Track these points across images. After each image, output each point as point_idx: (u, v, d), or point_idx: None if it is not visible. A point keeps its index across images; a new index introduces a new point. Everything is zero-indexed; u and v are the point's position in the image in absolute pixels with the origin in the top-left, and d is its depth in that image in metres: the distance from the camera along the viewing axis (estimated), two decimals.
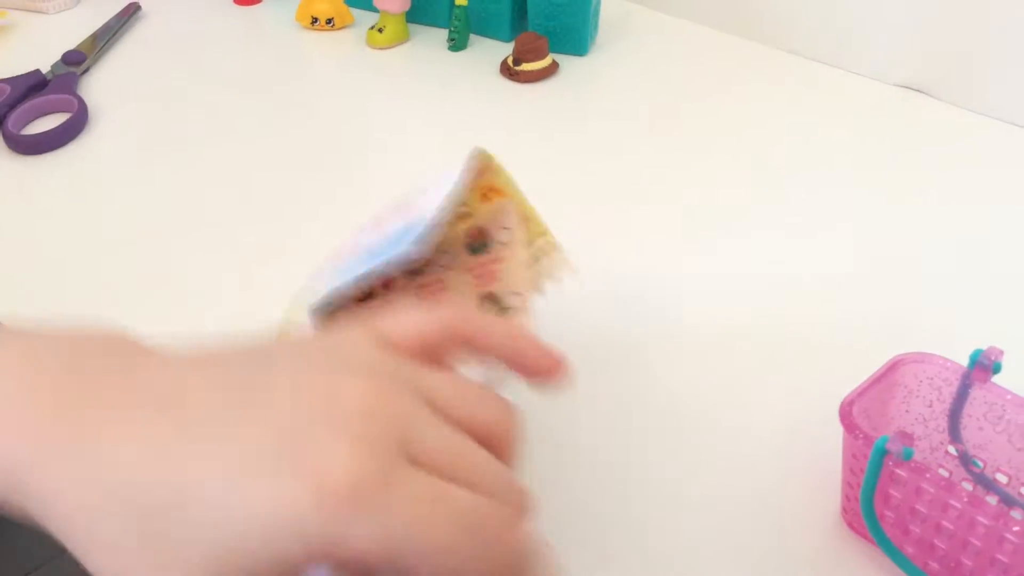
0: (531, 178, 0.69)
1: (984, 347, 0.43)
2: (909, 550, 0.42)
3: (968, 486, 0.44)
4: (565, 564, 0.36)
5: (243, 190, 0.67)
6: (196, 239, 0.62)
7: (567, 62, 0.83)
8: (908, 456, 0.39)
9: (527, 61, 0.81)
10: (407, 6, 0.84)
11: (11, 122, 0.70)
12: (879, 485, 0.40)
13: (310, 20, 0.86)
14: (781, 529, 0.45)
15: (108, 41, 0.83)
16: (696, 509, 0.46)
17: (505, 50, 0.84)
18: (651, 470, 0.48)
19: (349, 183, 0.68)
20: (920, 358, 0.44)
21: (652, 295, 0.58)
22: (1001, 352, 0.43)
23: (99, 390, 0.28)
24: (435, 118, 0.76)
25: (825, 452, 0.45)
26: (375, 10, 0.85)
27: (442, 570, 0.26)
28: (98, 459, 0.26)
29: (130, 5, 0.88)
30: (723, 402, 0.51)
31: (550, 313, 0.57)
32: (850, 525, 0.44)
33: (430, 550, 0.26)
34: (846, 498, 0.44)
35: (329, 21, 0.86)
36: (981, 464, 0.45)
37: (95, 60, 0.81)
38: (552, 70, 0.82)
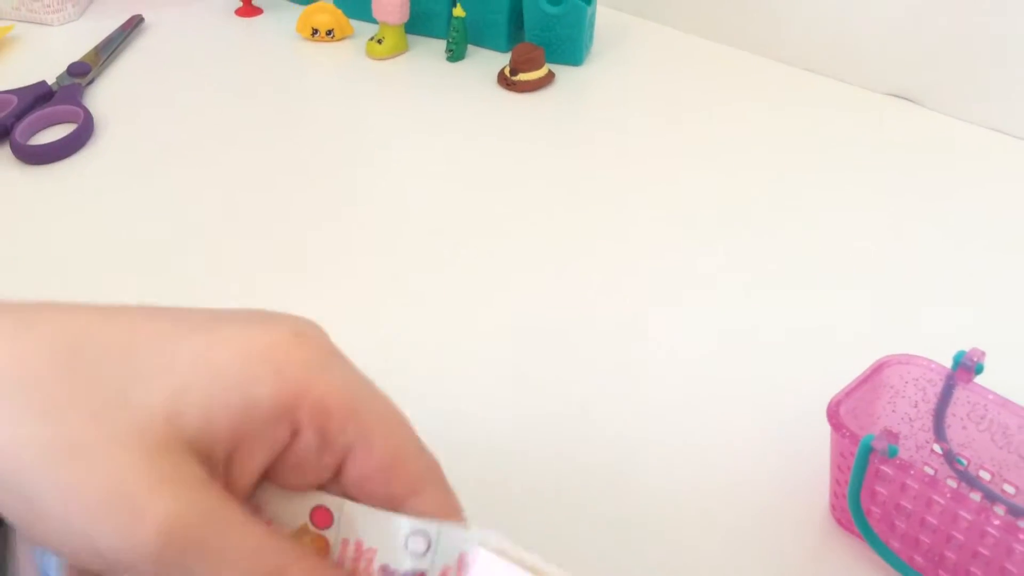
0: (528, 185, 0.70)
1: (967, 349, 0.45)
2: (895, 545, 0.43)
3: (952, 483, 0.46)
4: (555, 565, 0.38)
5: (246, 199, 0.68)
6: (200, 248, 0.63)
7: (563, 72, 0.85)
8: (893, 453, 0.40)
9: (524, 71, 0.82)
10: (406, 17, 0.85)
11: (18, 132, 0.71)
12: (865, 482, 0.42)
13: (310, 31, 0.88)
14: (772, 526, 0.46)
15: (112, 53, 0.85)
16: (686, 508, 0.47)
17: (502, 60, 0.85)
18: (641, 470, 0.49)
19: (351, 191, 0.69)
20: (905, 359, 0.46)
21: (645, 296, 0.60)
22: (983, 353, 0.45)
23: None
24: (434, 127, 0.77)
25: (814, 452, 0.47)
26: (374, 21, 0.86)
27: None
28: (42, 317, 0.27)
29: (133, 17, 0.90)
30: (713, 403, 0.53)
31: (549, 303, 0.58)
32: (838, 521, 0.46)
33: (382, 405, 0.28)
34: (834, 495, 0.46)
35: (329, 32, 0.88)
36: (965, 462, 0.46)
37: (100, 71, 0.82)
38: (548, 80, 0.83)
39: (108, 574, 0.25)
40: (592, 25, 0.88)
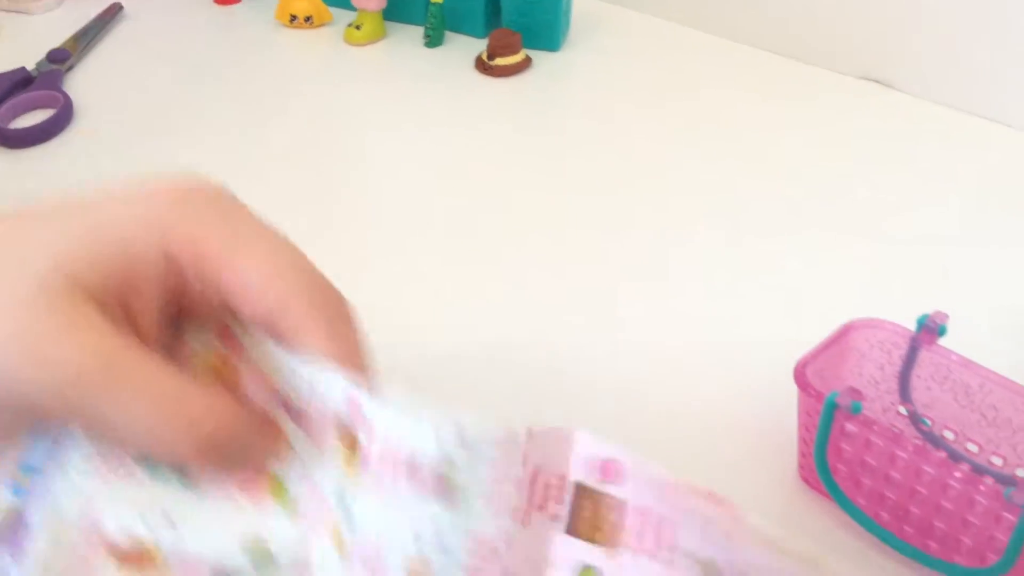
0: (504, 168, 0.71)
1: (930, 312, 0.46)
2: (861, 501, 0.44)
3: (918, 443, 0.47)
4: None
5: (227, 179, 0.68)
6: None
7: (540, 57, 0.86)
8: (857, 410, 0.41)
9: (501, 56, 0.83)
10: (384, 4, 0.86)
11: None
12: (831, 439, 0.43)
13: (289, 18, 0.88)
14: (741, 487, 0.47)
15: (91, 40, 0.85)
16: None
17: (479, 46, 0.86)
18: (613, 432, 0.50)
19: (330, 176, 0.70)
20: (871, 323, 0.47)
21: (619, 270, 0.61)
22: (946, 316, 0.46)
23: None
24: (412, 112, 0.78)
25: (782, 415, 0.48)
26: (353, 8, 0.87)
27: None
28: None
29: (112, 5, 0.90)
30: (684, 368, 0.54)
31: (527, 280, 0.59)
32: (806, 481, 0.47)
33: (267, 248, 0.30)
34: (802, 455, 0.47)
35: (308, 19, 0.88)
36: (929, 422, 0.47)
37: (79, 58, 0.83)
38: (525, 65, 0.84)
39: (22, 418, 0.27)
40: (569, 11, 0.88)
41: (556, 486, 0.27)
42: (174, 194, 0.30)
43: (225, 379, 0.30)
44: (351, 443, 0.28)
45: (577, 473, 0.27)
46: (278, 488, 0.29)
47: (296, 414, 0.29)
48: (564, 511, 0.27)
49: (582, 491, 0.27)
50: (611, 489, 0.27)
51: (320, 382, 0.28)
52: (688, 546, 0.27)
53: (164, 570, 0.28)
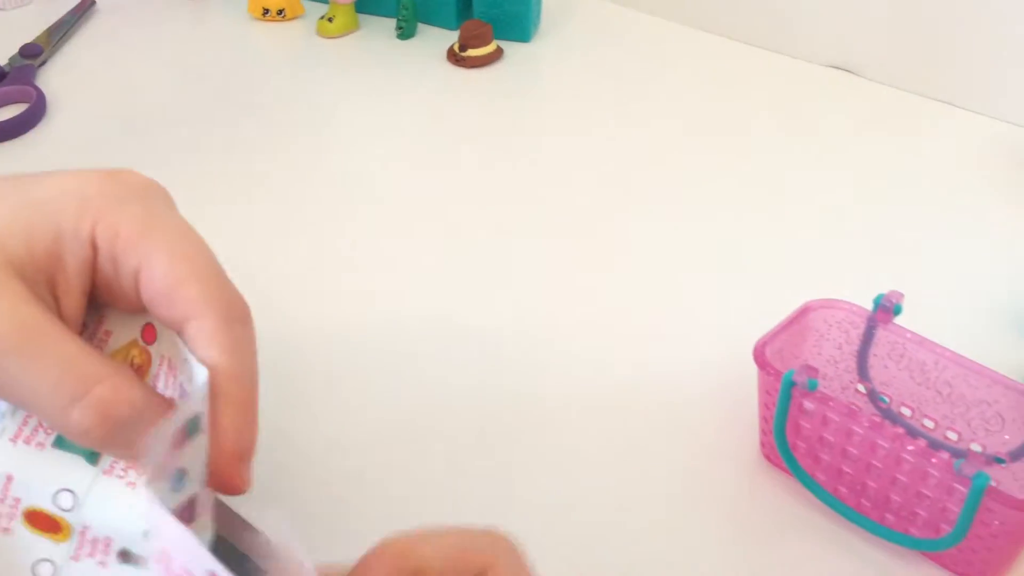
0: (476, 157, 0.72)
1: (886, 291, 0.47)
2: (820, 477, 0.45)
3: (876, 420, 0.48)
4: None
5: (197, 178, 0.69)
6: None
7: (511, 48, 0.87)
8: (813, 386, 0.42)
9: (472, 47, 0.84)
10: None
11: None
12: (790, 417, 0.44)
13: (261, 11, 0.89)
14: (705, 466, 0.48)
15: (64, 35, 0.85)
16: (622, 450, 0.49)
17: (451, 38, 0.87)
18: (580, 413, 0.51)
19: (304, 168, 0.71)
20: (828, 303, 0.48)
21: (588, 254, 0.62)
22: (901, 295, 0.47)
23: None
24: (384, 103, 0.79)
25: (744, 394, 0.49)
26: (325, 0, 0.87)
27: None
28: None
29: (84, 0, 0.90)
30: (647, 349, 0.55)
31: (497, 267, 0.60)
32: (768, 458, 0.48)
33: (175, 235, 0.32)
34: (763, 432, 0.48)
35: (280, 12, 0.89)
36: (887, 400, 0.49)
37: (52, 53, 0.83)
38: (496, 56, 0.85)
39: None
40: (539, 2, 0.89)
41: None
42: (107, 183, 0.32)
43: (137, 367, 0.31)
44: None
45: None
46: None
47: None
48: None
49: None
50: None
51: (197, 381, 0.29)
52: None
53: (73, 541, 0.29)
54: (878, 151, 0.74)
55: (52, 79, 0.80)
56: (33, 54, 0.81)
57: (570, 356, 0.55)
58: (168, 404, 0.30)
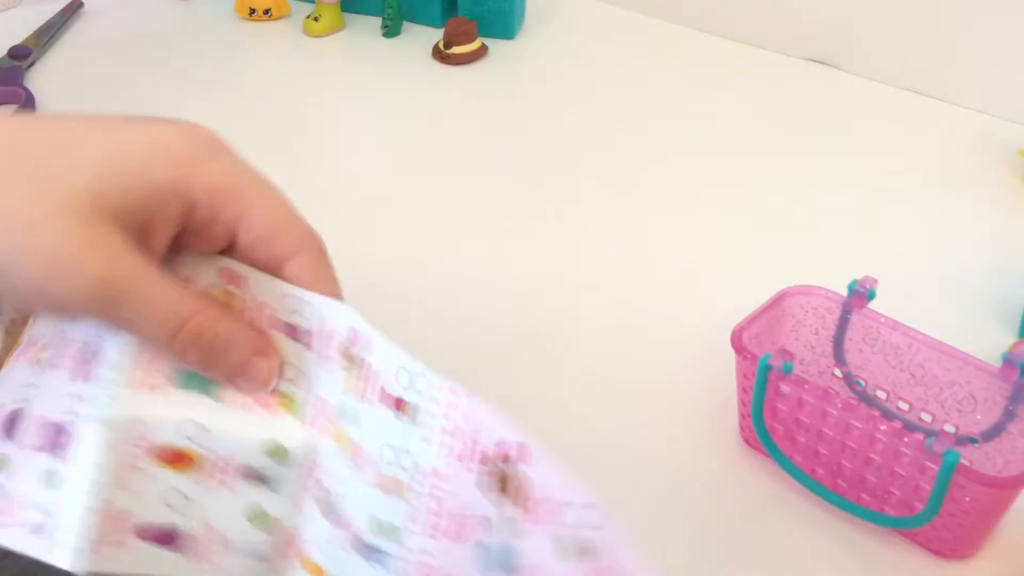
0: (461, 153, 0.73)
1: (860, 277, 0.48)
2: (797, 458, 0.47)
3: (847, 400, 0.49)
4: None
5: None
6: None
7: (496, 45, 0.88)
8: (788, 370, 0.44)
9: (457, 44, 0.85)
10: None
11: None
12: (767, 400, 0.45)
13: (248, 11, 0.90)
14: (687, 450, 0.50)
15: (52, 36, 0.86)
16: (606, 434, 0.50)
17: (436, 35, 0.88)
18: (565, 399, 0.52)
19: (291, 166, 0.72)
20: (805, 290, 0.49)
21: (572, 245, 0.63)
22: (875, 281, 0.48)
23: None
24: (371, 101, 0.80)
25: (724, 380, 0.50)
26: (311, 0, 0.88)
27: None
28: None
29: (73, 2, 0.91)
30: (631, 338, 0.56)
31: (484, 256, 0.61)
32: (747, 441, 0.49)
33: (262, 185, 0.36)
34: (741, 416, 0.49)
35: (267, 11, 0.90)
36: (863, 383, 0.50)
37: (40, 54, 0.84)
38: (481, 53, 0.86)
39: (61, 316, 0.34)
40: (524, 0, 0.90)
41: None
42: (188, 138, 0.35)
43: (228, 306, 0.35)
44: (350, 362, 0.34)
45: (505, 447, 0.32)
46: (289, 402, 0.34)
47: (304, 336, 0.34)
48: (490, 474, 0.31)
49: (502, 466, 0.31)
50: (519, 467, 0.31)
51: (327, 309, 0.34)
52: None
53: (202, 469, 0.33)
54: (857, 143, 0.75)
55: (40, 80, 0.80)
56: (22, 55, 0.82)
57: (551, 349, 0.56)
58: (260, 333, 0.35)
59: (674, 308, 0.58)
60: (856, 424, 0.43)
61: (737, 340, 0.46)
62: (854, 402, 0.44)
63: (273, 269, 0.35)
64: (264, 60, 0.86)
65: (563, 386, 0.53)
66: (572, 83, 0.83)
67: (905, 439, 0.42)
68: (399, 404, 0.32)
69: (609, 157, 0.73)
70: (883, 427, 0.43)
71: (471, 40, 0.85)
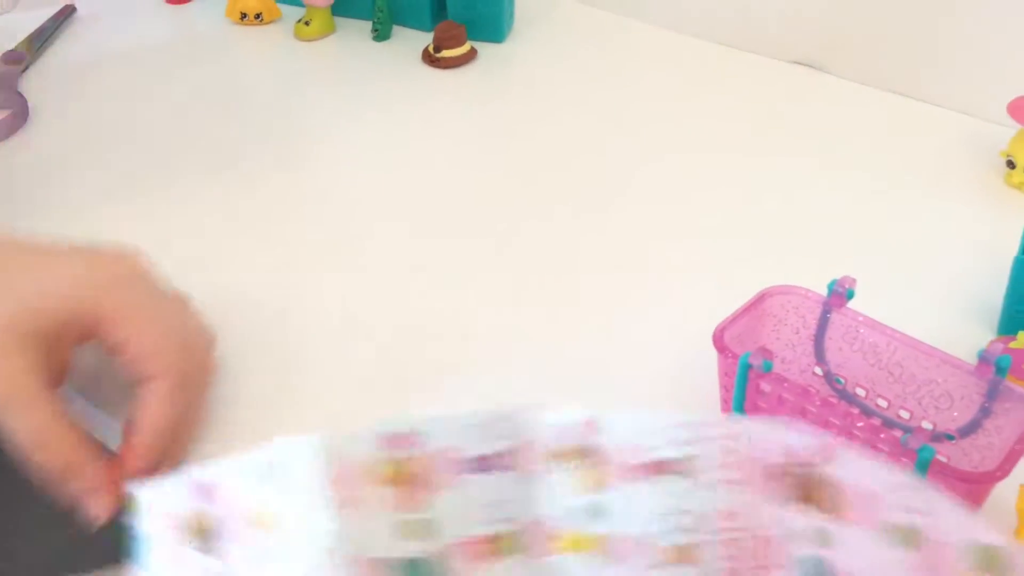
0: (452, 156, 0.74)
1: (839, 277, 0.49)
2: None
3: (834, 401, 0.50)
4: None
5: (180, 179, 0.71)
6: (134, 227, 0.66)
7: (485, 49, 0.89)
8: (768, 368, 0.45)
9: (447, 48, 0.86)
10: (332, 0, 0.88)
11: None
12: (748, 397, 0.46)
13: (239, 15, 0.91)
14: None
15: (46, 41, 0.87)
16: None
17: (426, 39, 0.89)
18: (553, 395, 0.53)
19: (283, 168, 0.72)
20: (785, 290, 0.50)
21: (562, 247, 0.64)
22: (853, 280, 0.49)
23: None
24: (361, 104, 0.81)
25: (708, 379, 0.51)
26: (302, 4, 0.89)
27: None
28: None
29: (65, 7, 0.92)
30: (616, 336, 0.57)
31: (472, 261, 0.62)
32: None
33: (147, 317, 0.46)
34: (723, 413, 0.50)
35: (258, 16, 0.90)
36: (843, 381, 0.51)
37: (34, 59, 0.85)
38: (471, 56, 0.87)
39: None
40: (512, 3, 0.91)
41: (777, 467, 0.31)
42: (101, 273, 0.46)
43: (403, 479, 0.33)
44: (578, 458, 0.33)
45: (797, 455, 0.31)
46: (499, 543, 0.33)
47: (497, 461, 0.33)
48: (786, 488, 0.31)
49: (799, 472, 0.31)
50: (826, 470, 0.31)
51: (523, 419, 0.33)
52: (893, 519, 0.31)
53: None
54: (841, 145, 0.76)
55: (35, 85, 0.81)
56: (15, 60, 0.83)
57: (539, 345, 0.57)
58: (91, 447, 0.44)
59: (661, 307, 0.59)
60: (834, 421, 0.44)
61: (719, 339, 0.47)
62: (832, 399, 0.45)
63: (137, 383, 0.45)
64: (255, 64, 0.87)
65: (551, 383, 0.54)
66: (561, 86, 0.84)
67: (882, 435, 0.43)
68: (658, 468, 0.31)
69: (598, 159, 0.74)
70: (860, 424, 0.43)
71: (460, 44, 0.86)
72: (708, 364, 0.49)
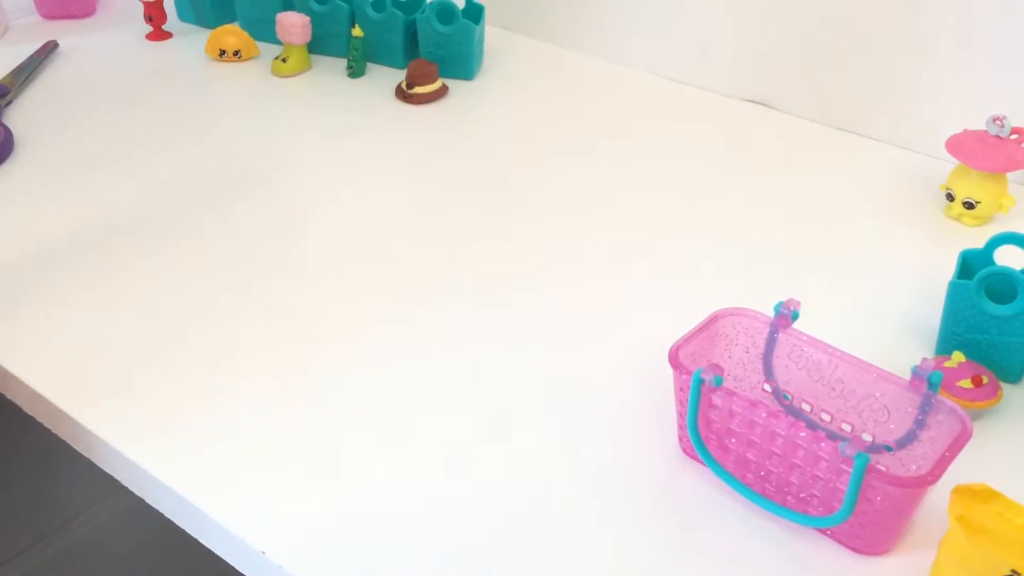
0: (424, 188, 0.78)
1: (784, 299, 0.53)
2: (730, 466, 0.51)
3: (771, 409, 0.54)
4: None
5: (159, 209, 0.74)
6: (112, 253, 0.68)
7: (456, 85, 0.92)
8: (719, 383, 0.48)
9: (419, 85, 0.90)
10: (308, 38, 0.92)
11: None
12: (700, 412, 0.50)
13: (219, 52, 0.94)
14: (631, 460, 0.54)
15: (30, 75, 0.90)
16: (555, 449, 0.54)
17: (399, 76, 0.92)
18: (516, 415, 0.56)
19: (260, 199, 0.76)
20: (735, 312, 0.54)
21: (526, 272, 0.67)
22: (798, 303, 0.53)
23: None
24: (337, 137, 0.84)
25: (665, 400, 0.55)
26: (279, 42, 0.93)
27: None
28: None
29: (48, 43, 0.95)
30: (576, 359, 0.60)
31: (445, 288, 0.65)
32: (685, 451, 0.54)
33: None
34: (679, 428, 0.53)
35: (236, 53, 0.94)
36: (790, 396, 0.54)
37: (17, 93, 0.87)
38: (442, 92, 0.91)
39: None
40: (482, 42, 0.95)
41: None
42: None
43: None
44: None
45: None
46: None
47: None
48: None
49: None
50: None
51: None
52: None
53: None
54: (789, 177, 0.80)
55: (19, 118, 0.84)
56: (1, 94, 0.85)
57: (504, 364, 0.60)
58: None
59: (620, 326, 0.63)
60: (780, 432, 0.48)
61: (674, 357, 0.50)
62: (778, 412, 0.49)
63: None
64: (234, 99, 0.90)
65: (514, 400, 0.57)
66: (527, 120, 0.88)
67: (822, 444, 0.47)
68: None
69: (561, 189, 0.78)
70: (803, 434, 0.47)
71: (433, 81, 0.90)
72: (665, 381, 0.53)
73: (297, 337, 0.61)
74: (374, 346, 0.61)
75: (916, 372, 0.49)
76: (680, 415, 0.53)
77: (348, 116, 0.88)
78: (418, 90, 0.90)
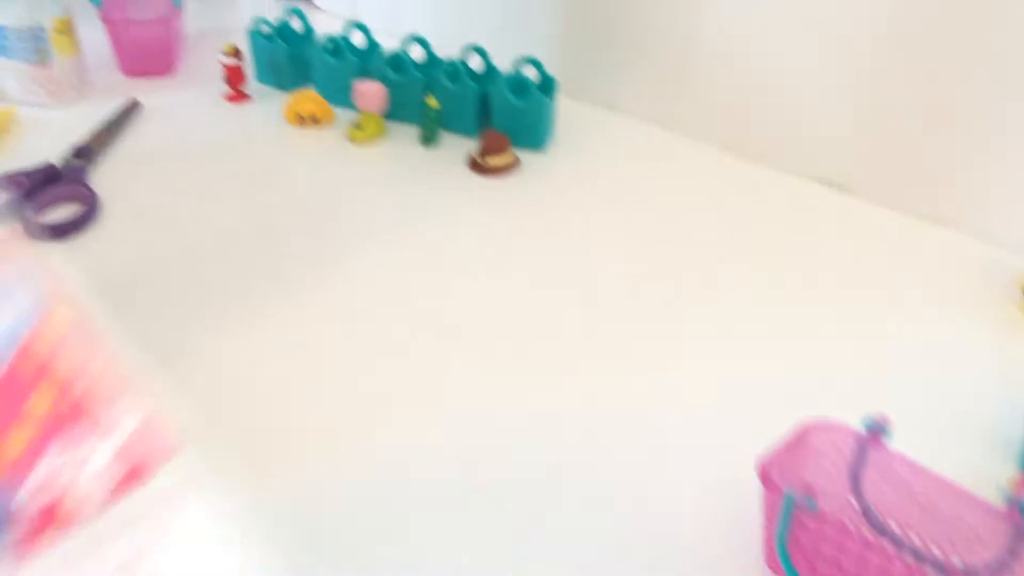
0: (497, 263, 0.78)
1: (875, 413, 0.53)
2: None
3: (869, 534, 0.54)
4: None
5: (239, 271, 0.74)
6: (200, 313, 0.70)
7: (528, 157, 0.93)
8: (812, 506, 0.48)
9: (492, 156, 0.90)
10: (384, 106, 0.93)
11: (30, 211, 0.78)
12: (790, 531, 0.50)
13: (296, 117, 0.95)
14: (715, 573, 0.54)
15: (113, 135, 0.92)
16: (638, 558, 0.54)
17: (471, 145, 0.93)
18: (599, 524, 0.56)
19: (335, 268, 0.76)
20: (825, 425, 0.54)
21: (604, 367, 0.68)
22: (887, 419, 0.53)
23: None
24: (410, 208, 0.85)
25: (749, 508, 0.54)
26: (356, 109, 0.94)
27: None
28: None
29: (130, 101, 0.97)
30: (656, 464, 0.60)
31: (517, 376, 0.65)
32: (770, 567, 0.53)
33: None
34: (766, 542, 0.53)
35: (313, 118, 0.95)
36: (879, 515, 0.54)
37: (102, 153, 0.89)
38: (515, 164, 0.91)
39: None
40: (554, 113, 0.96)
41: None
42: None
43: None
44: None
45: None
46: None
47: None
48: None
49: None
50: None
51: None
52: None
53: None
54: (863, 271, 0.80)
55: (104, 179, 0.85)
56: (85, 155, 0.87)
57: (585, 468, 0.60)
58: None
59: (694, 432, 0.63)
60: (873, 559, 0.48)
61: (766, 476, 0.50)
62: (871, 538, 0.48)
63: None
64: (310, 165, 0.92)
65: (593, 513, 0.57)
66: (600, 195, 0.88)
67: (917, 574, 0.46)
68: None
69: (635, 275, 0.78)
70: (899, 564, 0.47)
71: (505, 152, 0.91)
72: (747, 490, 0.53)
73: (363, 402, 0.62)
74: (426, 421, 0.61)
75: (1010, 500, 0.49)
76: (767, 530, 0.52)
77: (422, 185, 0.88)
78: (490, 161, 0.90)
